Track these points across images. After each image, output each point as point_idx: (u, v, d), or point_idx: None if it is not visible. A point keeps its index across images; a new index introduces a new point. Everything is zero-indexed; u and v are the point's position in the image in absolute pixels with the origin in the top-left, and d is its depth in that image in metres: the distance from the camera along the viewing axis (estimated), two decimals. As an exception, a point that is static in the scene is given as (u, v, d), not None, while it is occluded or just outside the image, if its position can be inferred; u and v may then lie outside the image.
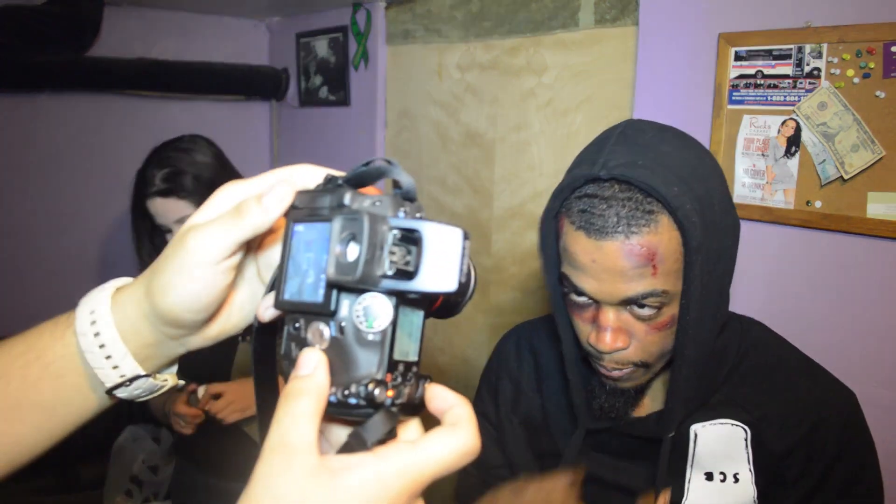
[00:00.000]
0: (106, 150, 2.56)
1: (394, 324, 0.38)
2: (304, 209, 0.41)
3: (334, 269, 0.37)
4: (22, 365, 0.45)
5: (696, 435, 0.88)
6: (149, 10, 2.54)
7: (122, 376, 0.45)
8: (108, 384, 0.45)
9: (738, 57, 1.43)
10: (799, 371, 0.91)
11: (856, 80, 1.27)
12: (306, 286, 0.39)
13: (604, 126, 0.88)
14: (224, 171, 1.62)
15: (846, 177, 1.30)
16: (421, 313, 0.41)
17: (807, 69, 1.33)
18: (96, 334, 0.44)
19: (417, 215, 0.40)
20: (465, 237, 0.37)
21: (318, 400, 0.37)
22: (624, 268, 0.75)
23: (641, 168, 0.75)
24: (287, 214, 0.42)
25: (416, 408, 0.40)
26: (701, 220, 0.76)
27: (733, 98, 1.44)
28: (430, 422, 0.41)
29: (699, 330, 0.80)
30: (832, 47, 1.29)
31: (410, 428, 0.41)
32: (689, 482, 0.87)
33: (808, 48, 1.32)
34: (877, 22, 1.24)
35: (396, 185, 0.40)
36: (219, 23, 2.73)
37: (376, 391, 0.37)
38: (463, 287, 0.39)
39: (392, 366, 0.38)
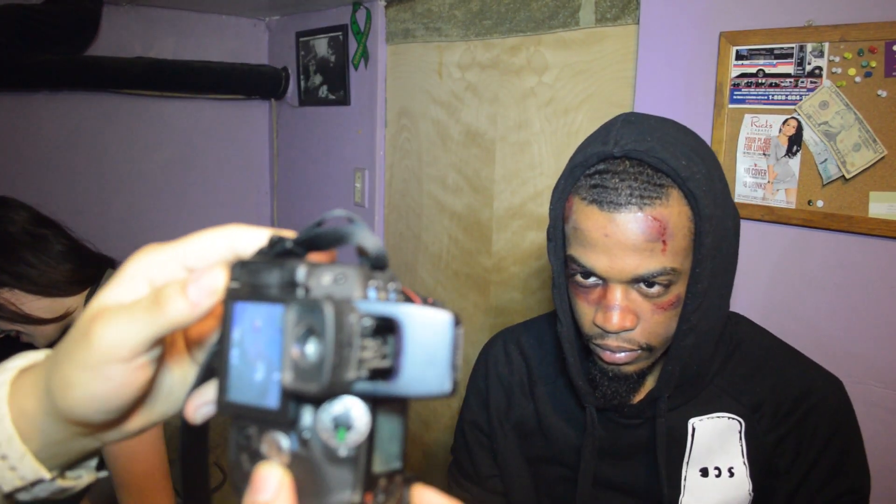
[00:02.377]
0: (105, 149, 2.56)
1: (371, 434, 0.31)
2: (245, 285, 0.33)
3: (292, 374, 0.29)
4: None
5: (693, 429, 0.88)
6: (147, 9, 2.53)
7: (21, 479, 0.37)
8: (6, 488, 0.38)
9: (739, 56, 1.42)
10: (787, 361, 0.92)
11: (857, 79, 1.27)
12: (255, 384, 0.31)
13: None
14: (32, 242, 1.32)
15: (848, 176, 1.30)
16: (403, 413, 0.34)
17: (808, 68, 1.33)
18: None
19: (391, 287, 0.33)
20: (457, 323, 0.31)
21: None
22: (636, 241, 0.76)
23: (651, 143, 0.77)
24: (226, 290, 0.34)
25: None
26: (710, 191, 0.77)
27: (734, 97, 1.43)
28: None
29: (707, 302, 0.81)
30: (834, 46, 1.29)
31: None
32: (685, 479, 0.88)
33: (809, 47, 1.32)
34: (878, 21, 1.23)
35: (362, 251, 0.33)
36: (218, 22, 2.73)
37: None
38: (457, 385, 0.31)
39: (371, 482, 0.31)
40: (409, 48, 2.27)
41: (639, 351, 0.82)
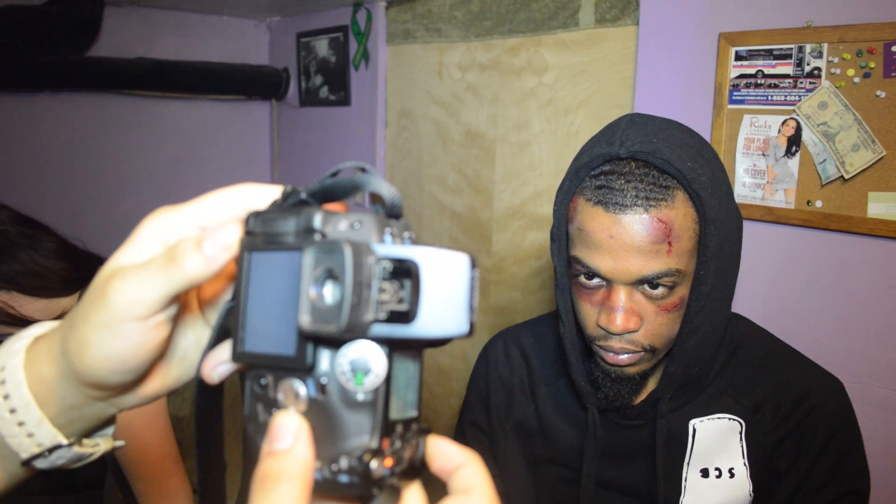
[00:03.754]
0: (106, 150, 2.56)
1: (388, 379, 0.31)
2: (260, 235, 0.33)
3: (310, 316, 0.29)
4: None
5: (694, 430, 0.89)
6: (149, 10, 2.54)
7: (38, 445, 0.37)
8: (24, 455, 0.38)
9: (738, 56, 1.43)
10: (787, 362, 0.92)
11: (856, 79, 1.27)
12: (272, 334, 0.31)
13: (604, 125, 0.89)
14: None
15: (847, 176, 1.30)
16: (419, 359, 0.34)
17: (807, 69, 1.33)
18: (5, 397, 0.37)
19: (406, 236, 0.33)
20: (473, 265, 0.31)
21: (304, 482, 0.30)
22: (642, 243, 0.76)
23: (657, 144, 0.77)
24: (240, 242, 0.33)
25: (418, 470, 0.33)
26: (715, 193, 0.78)
27: (734, 98, 1.44)
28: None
29: (710, 304, 0.81)
30: (832, 47, 1.29)
31: (411, 496, 0.34)
32: (685, 480, 0.88)
33: (808, 48, 1.32)
34: (877, 21, 1.24)
35: (376, 199, 0.32)
36: (219, 22, 2.73)
37: (373, 463, 0.30)
38: (474, 327, 0.31)
39: (388, 428, 0.31)
40: (410, 49, 2.28)
41: (642, 353, 0.82)
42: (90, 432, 0.41)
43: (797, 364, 0.92)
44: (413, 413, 0.33)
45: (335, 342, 0.31)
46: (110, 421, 0.41)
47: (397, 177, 2.40)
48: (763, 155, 1.41)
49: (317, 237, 0.31)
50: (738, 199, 1.45)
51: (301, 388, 0.31)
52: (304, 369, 0.31)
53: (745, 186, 1.44)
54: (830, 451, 0.86)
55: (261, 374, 0.33)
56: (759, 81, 1.40)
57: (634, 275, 0.77)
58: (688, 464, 0.88)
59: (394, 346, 0.31)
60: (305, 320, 0.29)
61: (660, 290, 0.79)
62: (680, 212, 0.77)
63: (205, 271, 0.33)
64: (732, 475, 0.87)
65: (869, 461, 0.90)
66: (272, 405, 0.32)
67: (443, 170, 2.21)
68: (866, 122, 1.27)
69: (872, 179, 1.27)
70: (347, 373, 0.31)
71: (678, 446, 0.89)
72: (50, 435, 0.37)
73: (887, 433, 1.30)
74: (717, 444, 0.88)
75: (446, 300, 0.30)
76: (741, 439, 0.87)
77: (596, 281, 0.81)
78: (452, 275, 0.30)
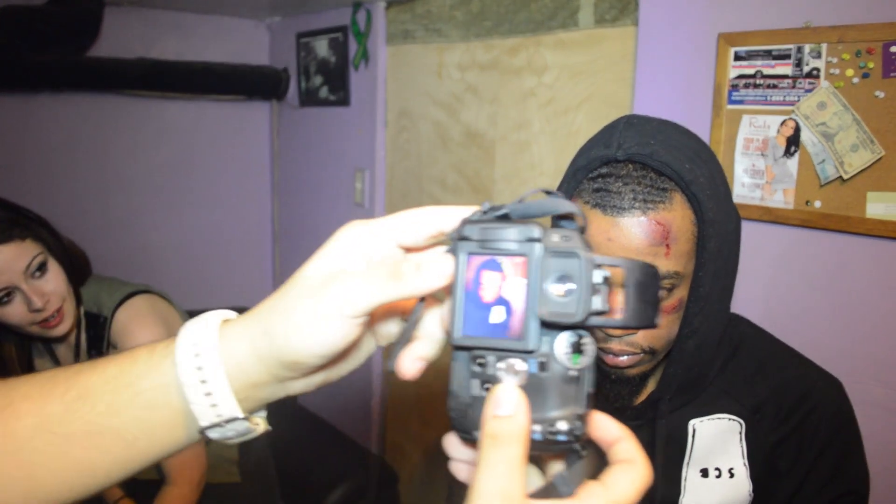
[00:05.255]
0: (106, 150, 2.56)
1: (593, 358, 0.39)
2: (477, 240, 0.39)
3: (550, 308, 0.36)
4: (111, 390, 0.43)
5: (694, 430, 0.89)
6: (149, 10, 2.54)
7: (218, 416, 0.43)
8: (203, 423, 0.43)
9: (737, 57, 1.43)
10: (787, 362, 0.92)
11: (855, 79, 1.27)
12: (492, 323, 0.38)
13: (603, 125, 0.89)
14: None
15: (845, 177, 1.30)
16: None
17: (806, 69, 1.33)
18: (199, 368, 0.42)
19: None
20: (657, 275, 0.39)
21: (526, 441, 0.36)
22: (640, 245, 0.76)
23: (654, 146, 0.77)
24: (455, 244, 0.40)
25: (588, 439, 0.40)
26: (713, 195, 0.78)
27: (733, 98, 1.44)
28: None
29: (710, 306, 0.81)
30: (831, 47, 1.29)
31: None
32: (685, 480, 0.88)
33: (807, 48, 1.33)
34: (876, 22, 1.24)
35: (564, 217, 0.40)
36: (219, 23, 2.73)
37: (583, 426, 0.37)
38: (659, 321, 0.39)
39: (589, 400, 0.38)
40: (410, 49, 2.28)
41: (641, 354, 0.83)
42: (252, 412, 0.46)
43: (797, 364, 0.92)
44: (592, 390, 0.40)
45: (557, 328, 0.38)
46: (264, 406, 0.47)
47: (397, 177, 2.40)
48: (762, 155, 1.41)
49: (539, 246, 0.38)
50: (736, 200, 1.45)
51: (521, 365, 0.38)
52: (528, 351, 0.37)
53: (744, 186, 1.44)
54: (830, 452, 0.86)
55: (479, 355, 0.39)
56: (758, 82, 1.40)
57: None
58: (688, 464, 0.88)
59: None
60: (546, 310, 0.36)
61: (659, 293, 0.79)
62: (678, 214, 0.77)
63: (420, 290, 0.40)
64: (732, 475, 0.87)
65: (869, 461, 0.90)
66: (489, 380, 0.39)
67: (443, 170, 2.22)
68: (865, 123, 1.27)
69: (871, 180, 1.27)
70: (568, 353, 0.38)
71: (678, 446, 0.89)
72: (231, 407, 0.42)
73: (887, 433, 1.30)
74: (717, 444, 0.88)
75: (642, 299, 0.38)
76: (741, 439, 0.88)
77: None
78: (648, 279, 0.38)
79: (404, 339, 0.44)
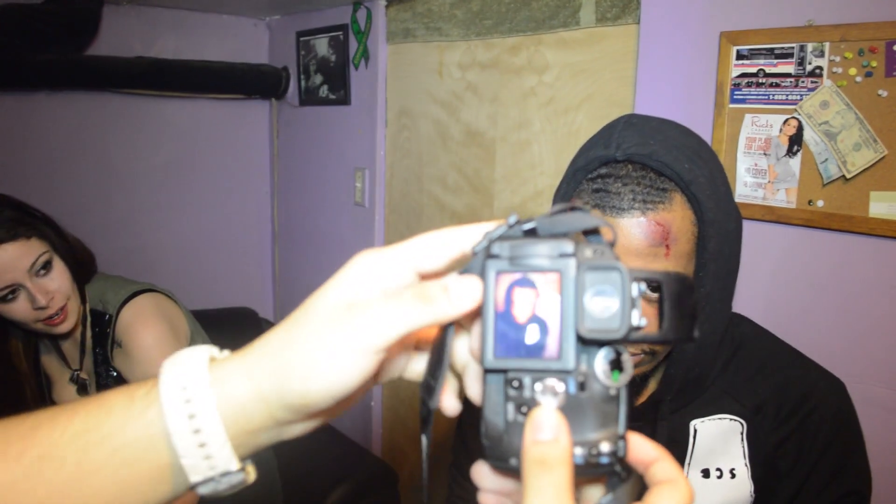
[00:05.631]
0: (105, 149, 2.56)
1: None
2: (507, 258, 0.37)
3: (590, 324, 0.35)
4: (80, 447, 0.37)
5: (695, 430, 0.88)
6: (148, 9, 2.53)
7: (212, 468, 0.38)
8: (195, 478, 0.38)
9: (739, 55, 1.42)
10: (789, 362, 0.92)
11: (858, 78, 1.27)
12: (527, 343, 0.36)
13: (604, 125, 0.89)
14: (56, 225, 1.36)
15: (848, 176, 1.30)
16: None
17: (809, 68, 1.33)
18: (191, 416, 0.37)
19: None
20: (692, 287, 0.38)
21: (570, 467, 0.34)
22: (640, 246, 0.75)
23: (654, 146, 0.77)
24: (482, 262, 0.38)
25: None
26: (713, 195, 0.77)
27: (735, 97, 1.43)
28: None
29: (710, 306, 0.81)
30: (834, 46, 1.29)
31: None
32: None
33: (810, 47, 1.32)
34: (879, 20, 1.23)
35: (591, 231, 0.39)
36: (218, 21, 2.73)
37: (626, 447, 0.36)
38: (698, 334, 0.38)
39: (627, 420, 0.37)
40: (410, 48, 2.27)
41: (641, 355, 0.82)
42: (244, 460, 0.41)
43: (799, 364, 0.92)
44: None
45: (592, 345, 0.36)
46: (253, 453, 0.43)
47: (397, 176, 2.39)
48: (764, 154, 1.41)
49: (573, 261, 0.36)
50: (739, 199, 1.44)
51: (560, 386, 0.36)
52: (567, 371, 0.36)
53: (747, 186, 1.44)
54: (832, 452, 0.86)
55: (514, 377, 0.37)
56: (760, 80, 1.40)
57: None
58: (689, 464, 0.88)
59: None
60: (586, 327, 0.35)
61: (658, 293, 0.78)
62: (678, 214, 0.76)
63: (452, 314, 0.37)
64: (734, 476, 0.87)
65: (871, 461, 0.89)
66: (525, 404, 0.37)
67: (443, 169, 2.21)
68: (868, 122, 1.26)
69: (874, 179, 1.27)
70: (607, 371, 0.36)
71: (679, 447, 0.89)
72: (227, 458, 0.38)
73: (888, 433, 1.30)
74: (718, 444, 0.88)
75: (681, 312, 0.36)
76: (742, 440, 0.87)
77: None
78: (685, 291, 0.37)
79: (441, 372, 0.40)
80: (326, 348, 0.36)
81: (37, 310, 1.28)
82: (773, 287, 1.45)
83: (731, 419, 0.88)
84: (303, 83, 2.69)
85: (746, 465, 0.87)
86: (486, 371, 0.38)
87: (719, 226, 0.78)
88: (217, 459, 0.37)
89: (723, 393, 0.89)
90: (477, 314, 0.38)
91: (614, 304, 0.35)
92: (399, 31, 2.29)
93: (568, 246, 0.36)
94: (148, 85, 2.48)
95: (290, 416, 0.38)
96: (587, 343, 0.36)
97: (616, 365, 0.36)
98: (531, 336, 0.36)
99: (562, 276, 0.36)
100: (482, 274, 0.38)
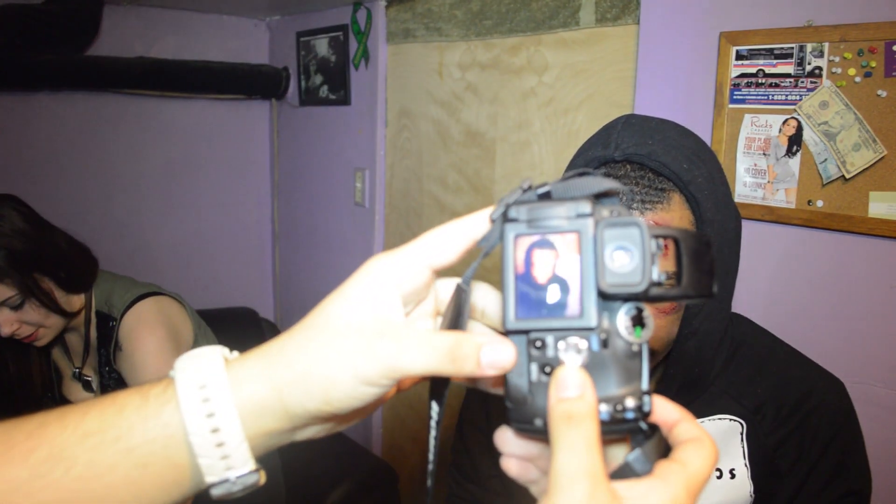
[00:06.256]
0: (105, 149, 2.56)
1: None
2: (525, 221, 0.37)
3: (611, 279, 0.35)
4: (91, 447, 0.36)
5: None
6: (148, 9, 2.53)
7: (229, 468, 0.37)
8: (211, 478, 0.37)
9: (739, 56, 1.42)
10: (789, 362, 0.92)
11: (857, 79, 1.27)
12: (549, 303, 0.36)
13: (603, 125, 0.89)
14: (41, 234, 1.34)
15: (848, 176, 1.30)
16: None
17: (808, 68, 1.33)
18: (210, 414, 0.36)
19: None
20: (710, 244, 0.38)
21: (597, 422, 0.35)
22: None
23: (652, 147, 0.77)
24: (501, 226, 0.38)
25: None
26: (712, 195, 0.77)
27: (734, 97, 1.44)
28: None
29: (709, 306, 0.81)
30: (833, 46, 1.29)
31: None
32: None
33: (809, 47, 1.32)
34: (878, 21, 1.23)
35: (608, 193, 0.39)
36: (219, 21, 2.73)
37: (650, 402, 0.36)
38: (716, 291, 0.38)
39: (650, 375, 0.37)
40: (410, 48, 2.28)
41: None
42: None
43: (798, 364, 0.92)
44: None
45: (613, 301, 0.36)
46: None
47: (397, 176, 2.40)
48: (764, 154, 1.41)
49: (591, 220, 0.36)
50: (738, 199, 1.44)
51: (584, 343, 0.36)
52: (590, 328, 0.36)
53: (746, 186, 1.44)
54: (832, 452, 0.86)
55: (537, 337, 0.37)
56: (759, 81, 1.40)
57: None
58: None
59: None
60: (609, 282, 0.35)
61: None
62: (676, 214, 0.76)
63: (475, 376, 0.37)
64: (734, 476, 0.87)
65: (870, 461, 0.89)
66: (549, 363, 0.37)
67: (443, 169, 2.21)
68: (867, 122, 1.26)
69: (874, 179, 1.27)
70: (630, 327, 0.36)
71: None
72: (244, 459, 0.37)
73: (888, 433, 1.30)
74: (718, 445, 0.87)
75: (700, 268, 0.36)
76: (742, 440, 0.87)
77: None
78: (702, 249, 0.37)
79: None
80: (352, 367, 0.36)
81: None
82: (773, 287, 1.45)
83: (730, 419, 0.88)
84: (303, 83, 2.70)
85: (746, 466, 0.87)
86: (508, 332, 0.38)
87: (718, 226, 0.78)
88: (234, 459, 0.37)
89: (722, 393, 0.89)
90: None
91: (635, 259, 0.35)
92: (399, 31, 2.29)
93: (585, 206, 0.36)
94: (148, 85, 2.49)
95: (306, 421, 0.38)
96: (608, 299, 0.36)
97: (637, 321, 0.37)
98: (552, 296, 0.36)
99: (581, 236, 0.36)
100: (501, 237, 0.38)
